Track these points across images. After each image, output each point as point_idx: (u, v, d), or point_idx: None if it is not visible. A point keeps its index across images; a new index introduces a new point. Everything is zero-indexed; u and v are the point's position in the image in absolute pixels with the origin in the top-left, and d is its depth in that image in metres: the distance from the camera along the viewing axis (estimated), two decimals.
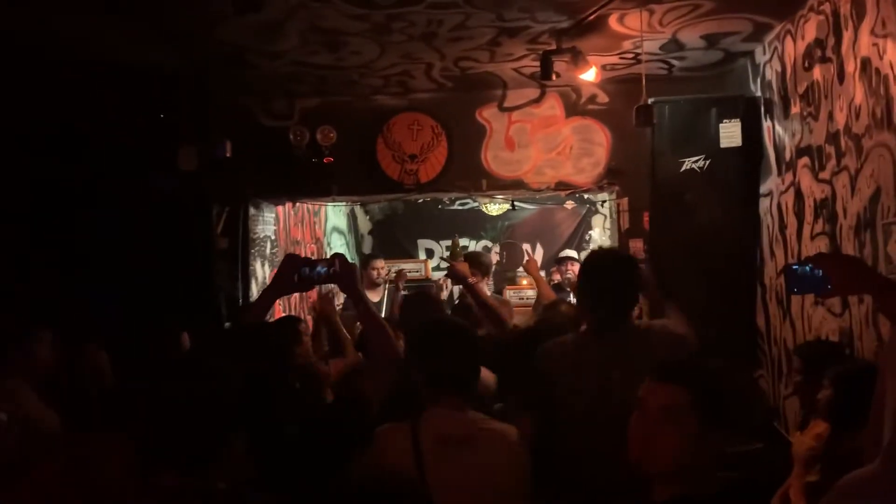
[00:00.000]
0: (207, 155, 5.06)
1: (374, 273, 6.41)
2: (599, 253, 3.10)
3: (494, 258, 9.17)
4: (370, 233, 9.26)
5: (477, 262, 5.11)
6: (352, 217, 9.00)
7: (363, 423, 2.13)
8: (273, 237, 6.01)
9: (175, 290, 4.55)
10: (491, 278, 5.46)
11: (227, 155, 5.09)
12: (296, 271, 2.30)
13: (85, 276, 4.67)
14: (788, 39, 4.09)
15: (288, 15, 3.79)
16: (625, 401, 2.23)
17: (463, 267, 3.80)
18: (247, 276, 5.41)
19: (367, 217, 9.24)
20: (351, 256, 8.88)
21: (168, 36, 4.10)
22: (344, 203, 7.89)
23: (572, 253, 6.75)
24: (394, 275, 6.38)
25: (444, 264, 6.79)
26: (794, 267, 1.90)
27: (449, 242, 9.02)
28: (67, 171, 4.86)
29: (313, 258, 2.35)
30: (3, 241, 4.64)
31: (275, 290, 2.42)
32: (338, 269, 2.29)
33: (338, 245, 8.39)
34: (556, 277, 6.65)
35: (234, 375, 1.69)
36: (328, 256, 2.37)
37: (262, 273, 5.76)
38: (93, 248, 4.78)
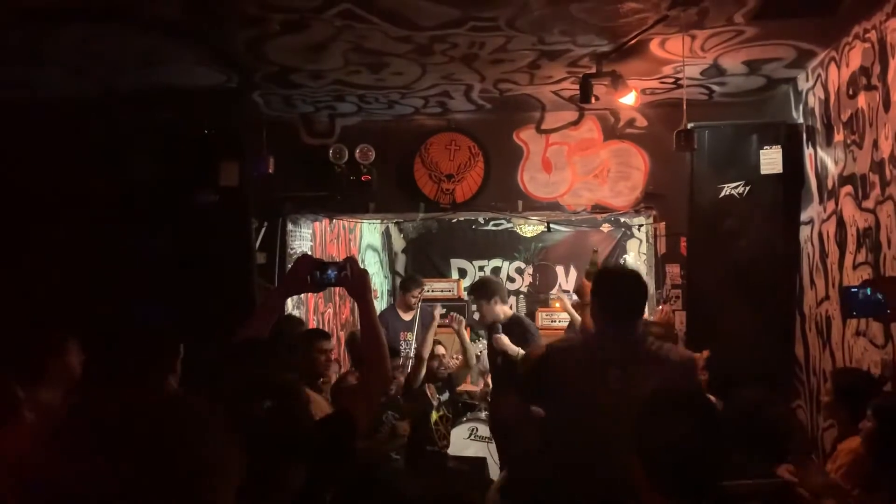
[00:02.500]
0: (249, 171, 5.16)
1: (412, 300, 6.46)
2: (612, 268, 3.28)
3: (527, 280, 9.19)
4: (404, 251, 9.31)
5: (481, 288, 5.21)
6: (386, 235, 9.06)
7: (343, 442, 2.01)
8: (309, 253, 6.08)
9: (215, 304, 4.61)
10: (508, 299, 5.46)
11: (270, 171, 5.19)
12: (308, 272, 2.28)
13: (128, 291, 4.76)
14: (832, 66, 4.06)
15: (333, 36, 3.86)
16: (619, 401, 2.37)
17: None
18: None
19: (402, 235, 9.29)
20: (384, 274, 8.93)
21: (215, 55, 4.19)
22: (379, 221, 7.95)
23: None
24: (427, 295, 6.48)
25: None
26: (853, 290, 1.88)
27: (483, 263, 9.06)
28: (112, 186, 4.99)
29: (327, 261, 2.34)
30: (43, 254, 4.77)
31: (284, 289, 2.42)
32: (349, 274, 2.26)
33: (371, 263, 8.45)
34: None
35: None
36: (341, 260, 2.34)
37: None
38: (136, 263, 4.88)
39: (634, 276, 3.03)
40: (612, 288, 2.95)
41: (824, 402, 3.39)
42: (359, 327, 2.39)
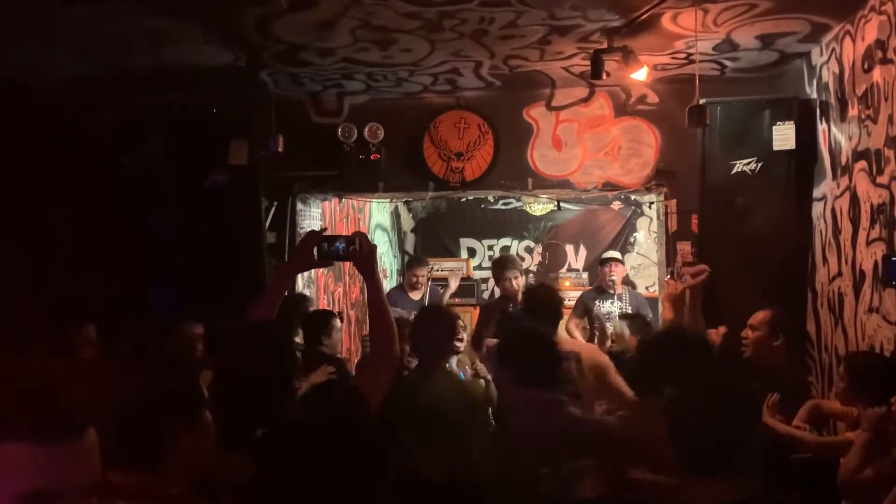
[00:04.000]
0: (258, 150, 5.15)
1: (414, 279, 6.46)
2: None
3: (537, 258, 9.19)
4: (413, 230, 9.31)
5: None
6: (395, 215, 9.06)
7: (358, 425, 1.98)
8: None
9: (226, 283, 4.62)
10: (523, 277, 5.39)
11: (280, 150, 5.18)
12: (316, 246, 2.25)
13: (139, 272, 4.79)
14: (847, 40, 4.00)
15: (341, 12, 3.83)
16: None
17: None
18: None
19: (411, 215, 9.29)
20: (394, 254, 8.94)
21: (223, 34, 4.17)
22: (388, 200, 7.94)
23: (615, 254, 6.68)
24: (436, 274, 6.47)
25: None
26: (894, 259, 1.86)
27: (493, 241, 9.05)
28: (121, 167, 4.99)
29: (335, 235, 2.29)
30: (52, 237, 4.79)
31: (293, 265, 2.39)
32: (357, 247, 2.22)
33: (381, 242, 8.46)
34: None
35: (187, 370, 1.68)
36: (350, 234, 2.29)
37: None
38: (146, 243, 4.90)
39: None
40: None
41: (839, 389, 3.28)
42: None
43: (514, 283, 4.92)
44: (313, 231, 2.32)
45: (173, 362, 2.87)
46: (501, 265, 5.13)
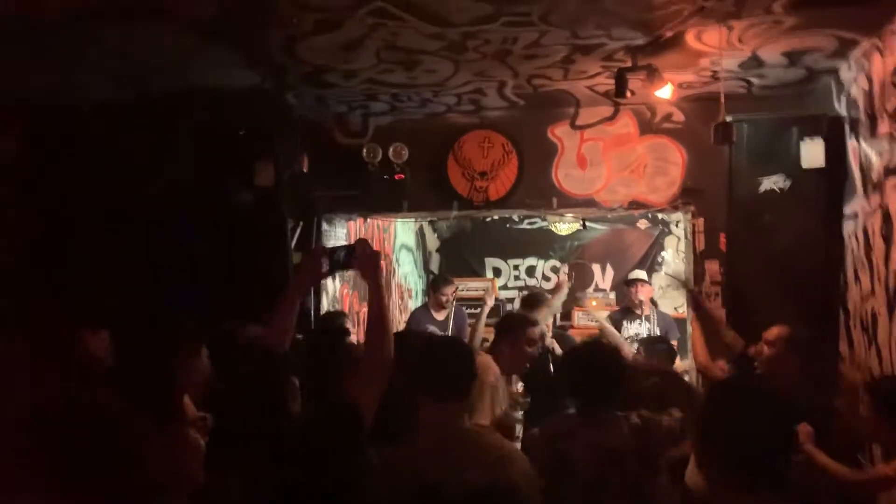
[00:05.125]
0: (284, 171, 5.19)
1: (444, 298, 6.46)
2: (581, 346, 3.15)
3: (563, 278, 9.11)
4: (438, 250, 9.30)
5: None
6: (420, 234, 9.07)
7: (352, 434, 1.94)
8: None
9: (252, 304, 4.65)
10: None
11: (304, 170, 5.22)
12: (320, 260, 2.27)
13: (166, 292, 4.83)
14: (876, 55, 3.94)
15: (365, 33, 3.87)
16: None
17: None
18: (318, 290, 5.50)
19: (436, 235, 9.28)
20: (419, 274, 8.94)
21: (250, 56, 4.23)
22: (413, 220, 7.96)
23: (641, 274, 6.61)
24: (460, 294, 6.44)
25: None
26: None
27: (518, 262, 9.00)
28: (148, 188, 5.06)
29: (336, 245, 2.31)
30: (81, 252, 4.86)
31: (300, 284, 2.39)
32: (358, 254, 2.22)
33: (406, 262, 8.47)
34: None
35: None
36: (351, 243, 2.32)
37: (333, 287, 5.85)
38: (173, 264, 4.94)
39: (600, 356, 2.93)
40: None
41: (864, 417, 3.14)
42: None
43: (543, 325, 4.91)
44: (316, 247, 2.35)
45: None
46: (532, 303, 5.11)
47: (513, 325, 4.05)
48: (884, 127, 3.87)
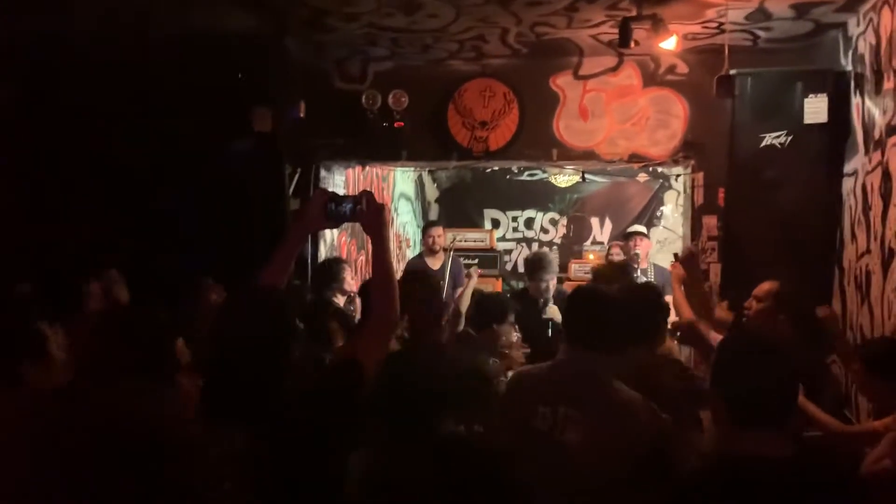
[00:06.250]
0: (282, 117, 5.14)
1: (430, 240, 6.43)
2: (582, 289, 2.79)
3: (561, 231, 9.12)
4: (437, 200, 9.28)
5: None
6: (419, 184, 9.03)
7: (356, 391, 1.91)
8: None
9: (250, 248, 4.65)
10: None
11: (302, 116, 5.17)
12: (324, 204, 2.17)
13: (166, 236, 4.82)
14: (886, 10, 3.87)
15: None
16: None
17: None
18: (315, 237, 5.51)
19: (435, 185, 9.25)
20: (417, 223, 8.93)
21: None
22: (412, 169, 7.92)
23: (640, 228, 6.61)
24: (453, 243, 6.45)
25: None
26: None
27: (517, 213, 8.99)
28: (146, 133, 5.01)
29: (341, 194, 2.21)
30: (81, 202, 4.83)
31: (303, 227, 2.29)
32: (364, 207, 2.15)
33: (405, 211, 8.45)
34: (615, 251, 6.50)
35: None
36: (357, 194, 2.20)
37: (331, 235, 5.85)
38: (171, 210, 4.93)
39: (613, 299, 2.63)
40: (576, 308, 2.59)
41: (855, 377, 3.19)
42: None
43: (550, 286, 4.93)
44: (322, 189, 2.25)
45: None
46: (539, 266, 5.03)
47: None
48: (889, 83, 3.82)
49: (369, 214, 2.15)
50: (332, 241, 5.82)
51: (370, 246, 2.21)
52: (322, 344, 3.38)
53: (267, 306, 1.92)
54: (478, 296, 4.59)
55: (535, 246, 8.85)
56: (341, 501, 1.83)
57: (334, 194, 2.22)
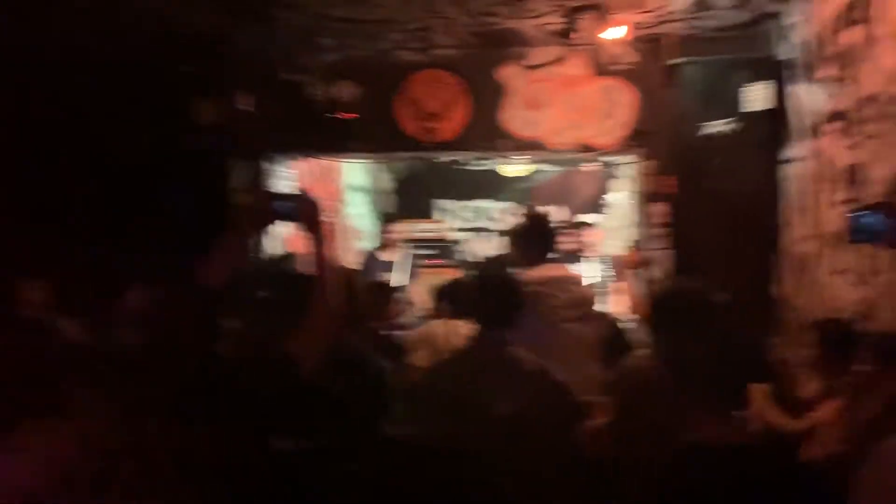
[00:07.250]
0: (227, 109, 5.04)
1: (387, 235, 6.44)
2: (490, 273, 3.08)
3: (513, 220, 9.14)
4: (391, 191, 9.24)
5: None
6: (372, 175, 8.97)
7: (283, 388, 1.93)
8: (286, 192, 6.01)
9: (195, 244, 4.56)
10: None
11: (247, 108, 5.08)
12: (265, 205, 2.22)
13: (102, 234, 4.70)
14: (819, 0, 3.96)
15: None
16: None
17: None
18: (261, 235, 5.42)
19: (389, 176, 9.20)
20: (369, 215, 8.87)
21: None
22: (364, 161, 7.85)
23: (587, 218, 6.68)
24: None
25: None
26: (860, 214, 1.88)
27: (469, 203, 8.99)
28: (89, 129, 4.87)
29: (279, 193, 2.24)
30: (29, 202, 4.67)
31: (247, 228, 2.33)
32: (296, 206, 2.18)
33: (358, 203, 8.38)
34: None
35: None
36: (297, 195, 2.26)
37: (280, 231, 5.77)
38: (114, 201, 4.80)
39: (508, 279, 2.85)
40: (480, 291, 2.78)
41: (809, 356, 3.29)
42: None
43: None
44: (263, 190, 2.27)
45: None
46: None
47: None
48: (823, 72, 3.91)
49: (302, 212, 2.17)
50: (281, 235, 5.73)
51: (309, 244, 2.21)
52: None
53: (192, 306, 1.89)
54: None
55: (487, 236, 8.86)
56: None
57: (275, 193, 2.22)
